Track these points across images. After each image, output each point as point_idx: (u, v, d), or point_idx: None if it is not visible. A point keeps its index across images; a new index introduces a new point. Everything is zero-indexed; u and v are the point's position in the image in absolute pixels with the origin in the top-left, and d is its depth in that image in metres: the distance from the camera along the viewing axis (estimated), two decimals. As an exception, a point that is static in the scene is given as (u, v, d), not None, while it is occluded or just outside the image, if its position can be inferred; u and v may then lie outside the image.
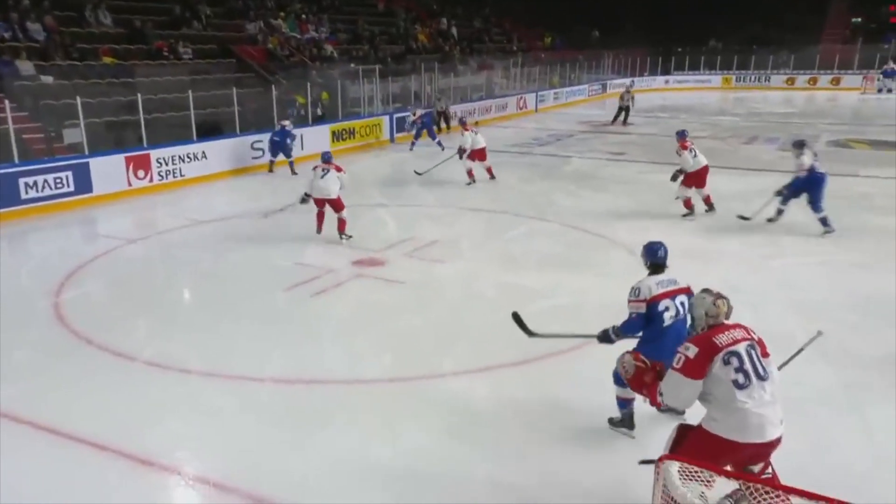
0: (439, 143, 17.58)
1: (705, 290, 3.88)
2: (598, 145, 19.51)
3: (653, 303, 4.78)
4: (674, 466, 2.98)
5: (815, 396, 5.40)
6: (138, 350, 6.50)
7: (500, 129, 22.77)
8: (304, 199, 9.87)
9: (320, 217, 9.94)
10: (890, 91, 31.66)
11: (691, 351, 3.59)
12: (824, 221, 10.24)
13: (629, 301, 4.92)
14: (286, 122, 15.06)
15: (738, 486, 3.55)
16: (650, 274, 5.04)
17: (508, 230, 10.62)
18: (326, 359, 6.42)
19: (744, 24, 37.48)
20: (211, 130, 14.34)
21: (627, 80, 29.83)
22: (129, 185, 12.98)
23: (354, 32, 26.15)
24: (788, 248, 9.82)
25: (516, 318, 5.58)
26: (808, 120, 24.69)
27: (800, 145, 10.80)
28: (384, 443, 5.03)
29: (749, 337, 3.65)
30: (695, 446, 3.64)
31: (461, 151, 13.69)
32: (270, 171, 15.35)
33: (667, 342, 4.57)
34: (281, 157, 15.11)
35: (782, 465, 3.72)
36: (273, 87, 17.18)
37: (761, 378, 3.55)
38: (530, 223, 11.04)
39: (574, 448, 4.98)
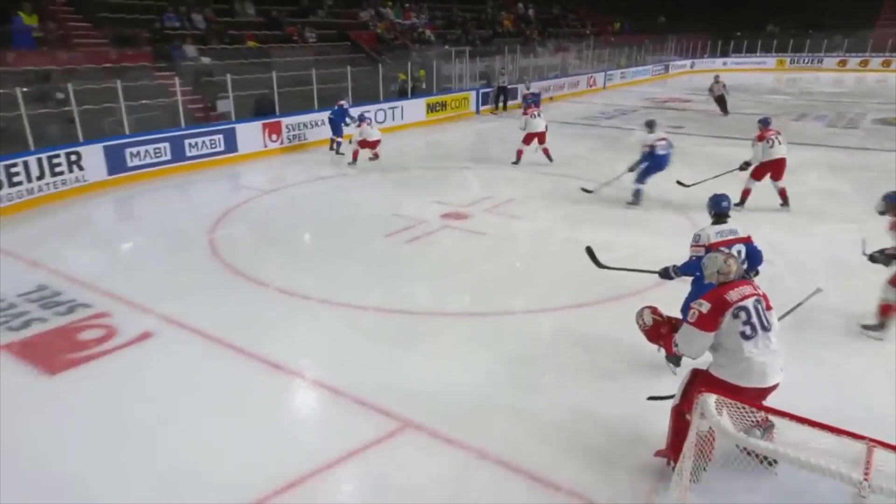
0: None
1: (718, 250, 3.82)
2: (659, 119, 18.66)
3: (708, 248, 4.62)
4: (711, 398, 2.95)
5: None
6: (270, 278, 6.86)
7: (572, 104, 22.22)
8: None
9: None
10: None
11: (704, 307, 3.50)
12: (636, 194, 9.54)
13: (691, 245, 4.85)
14: (343, 102, 13.60)
15: (766, 417, 3.50)
16: (713, 223, 4.93)
17: (576, 192, 10.42)
18: (417, 294, 6.59)
19: (801, 9, 34.78)
20: (329, 102, 14.52)
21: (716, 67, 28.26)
22: (265, 146, 13.45)
23: (449, 18, 25.85)
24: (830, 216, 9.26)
25: (589, 251, 5.62)
26: (857, 99, 22.92)
27: (650, 125, 9.99)
28: (461, 364, 5.20)
29: (756, 293, 3.55)
30: (706, 388, 3.51)
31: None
32: (331, 149, 13.52)
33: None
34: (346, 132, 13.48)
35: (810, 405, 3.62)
36: (380, 66, 17.25)
37: (766, 329, 3.47)
38: (596, 187, 10.82)
39: (617, 372, 5.01)
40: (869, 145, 14.51)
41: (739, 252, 4.68)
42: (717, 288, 3.59)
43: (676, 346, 3.73)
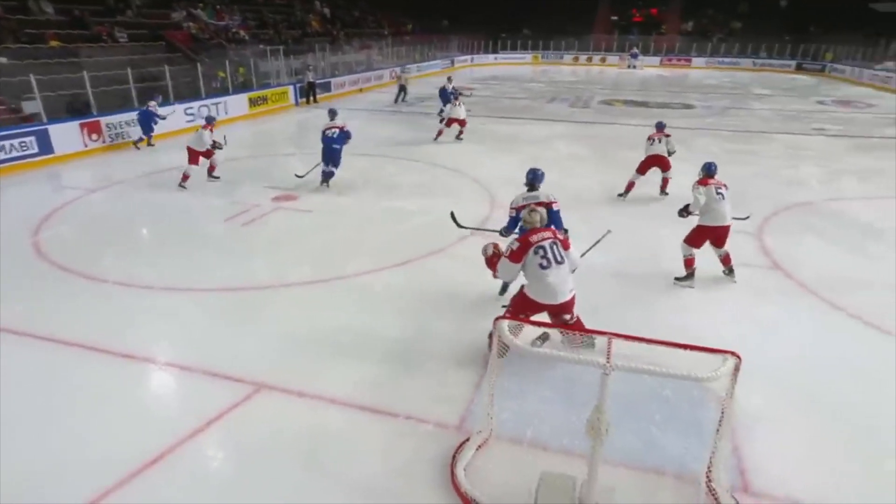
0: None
1: (526, 205, 4.40)
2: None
3: (518, 210, 5.10)
4: (504, 324, 3.18)
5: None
6: (107, 273, 6.03)
7: (379, 94, 22.03)
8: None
9: None
10: (634, 67, 33.40)
11: (515, 245, 4.14)
12: (326, 175, 9.03)
13: (510, 207, 5.27)
14: (152, 103, 12.04)
15: (544, 332, 3.90)
16: (528, 191, 5.32)
17: (387, 169, 10.48)
18: (258, 271, 6.23)
19: (548, 17, 38.04)
20: (149, 100, 12.87)
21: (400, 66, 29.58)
22: (86, 146, 11.56)
23: (261, 19, 24.02)
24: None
25: (452, 216, 5.86)
26: (587, 86, 25.58)
27: (332, 113, 9.57)
28: (304, 326, 5.05)
29: (553, 237, 4.12)
30: (520, 301, 4.18)
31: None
32: (136, 147, 12.08)
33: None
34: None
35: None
36: (198, 64, 15.64)
37: (559, 263, 4.03)
38: (402, 163, 10.96)
39: (439, 313, 5.20)
40: (598, 120, 16.41)
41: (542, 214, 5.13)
42: (526, 233, 4.15)
43: (498, 271, 4.31)
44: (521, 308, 4.16)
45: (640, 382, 3.50)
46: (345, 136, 9.11)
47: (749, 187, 8.89)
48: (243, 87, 16.93)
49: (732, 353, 2.82)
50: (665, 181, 8.81)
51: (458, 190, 9.20)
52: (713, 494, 3.10)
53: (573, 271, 4.22)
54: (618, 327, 3.08)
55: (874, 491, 3.29)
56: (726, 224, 5.70)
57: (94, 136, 11.74)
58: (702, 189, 5.70)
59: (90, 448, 3.61)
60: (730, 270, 5.91)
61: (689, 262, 5.83)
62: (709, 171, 5.90)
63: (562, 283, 4.06)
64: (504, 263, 4.17)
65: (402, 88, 19.64)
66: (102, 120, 11.93)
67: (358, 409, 3.93)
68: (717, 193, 5.67)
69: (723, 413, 2.95)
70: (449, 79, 17.29)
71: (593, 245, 4.74)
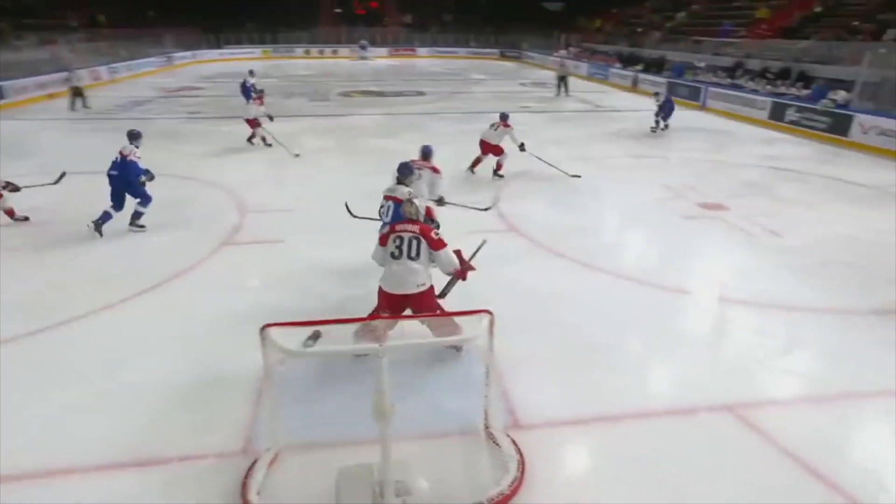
0: None
1: (408, 199, 4.35)
2: (175, 107, 17.52)
3: (384, 199, 5.22)
4: (274, 330, 3.00)
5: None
6: None
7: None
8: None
9: None
10: (366, 59, 34.83)
11: (383, 231, 4.31)
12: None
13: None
14: None
15: (316, 330, 3.82)
16: (395, 182, 5.31)
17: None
18: None
19: (270, 10, 36.79)
20: None
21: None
22: None
23: None
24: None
25: (346, 206, 5.97)
26: (323, 79, 25.71)
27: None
28: (22, 387, 4.10)
29: (415, 233, 4.09)
30: (379, 290, 4.17)
31: None
32: None
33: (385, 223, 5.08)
34: None
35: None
36: None
37: (411, 258, 4.05)
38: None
39: (198, 337, 4.73)
40: (339, 112, 16.67)
41: (390, 206, 5.11)
42: (397, 222, 4.24)
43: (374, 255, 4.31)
44: (379, 297, 4.18)
45: (421, 357, 3.74)
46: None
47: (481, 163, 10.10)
48: None
49: (486, 311, 3.18)
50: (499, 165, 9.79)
51: (197, 199, 8.42)
52: (492, 439, 3.49)
53: (450, 273, 4.21)
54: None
55: (608, 399, 4.08)
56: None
57: None
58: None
59: None
60: None
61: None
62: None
63: (407, 275, 4.03)
64: (376, 246, 4.26)
65: (77, 92, 16.24)
66: None
67: (114, 470, 3.36)
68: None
69: (487, 366, 3.32)
70: (251, 72, 15.54)
71: (473, 254, 4.61)
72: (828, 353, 4.68)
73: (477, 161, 9.85)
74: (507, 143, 9.61)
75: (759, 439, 3.66)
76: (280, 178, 8.80)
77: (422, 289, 4.09)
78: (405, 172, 5.37)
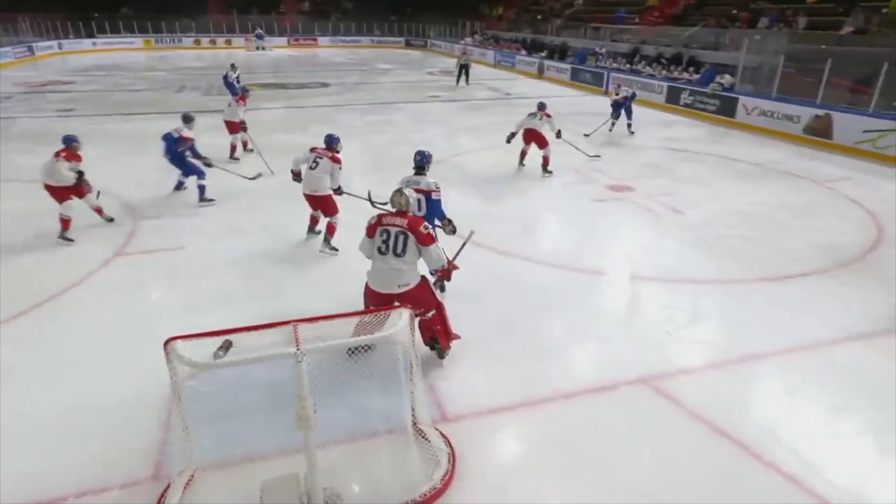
0: None
1: (399, 189, 4.10)
2: (42, 104, 16.00)
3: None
4: (178, 344, 2.86)
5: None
6: None
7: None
8: None
9: None
10: (263, 49, 33.56)
11: (372, 221, 4.05)
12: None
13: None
14: None
15: (226, 339, 3.64)
16: (414, 174, 5.14)
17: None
18: None
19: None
20: None
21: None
22: None
23: None
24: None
25: (369, 196, 5.77)
26: (218, 71, 24.42)
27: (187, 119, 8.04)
28: None
29: (403, 227, 3.92)
30: (366, 286, 4.10)
31: None
32: None
33: None
34: None
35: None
36: None
37: (397, 255, 3.92)
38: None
39: (85, 358, 4.40)
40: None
41: (419, 200, 4.92)
42: (384, 214, 4.05)
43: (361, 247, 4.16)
44: (365, 295, 4.07)
45: (342, 360, 3.69)
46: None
47: (389, 154, 10.08)
48: None
49: (404, 306, 3.20)
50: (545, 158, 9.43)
51: (81, 206, 7.73)
52: (421, 434, 3.52)
53: (434, 271, 4.09)
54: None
55: (533, 384, 4.22)
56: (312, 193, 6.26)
57: None
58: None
59: None
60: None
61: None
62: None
63: (390, 273, 3.91)
64: (363, 237, 4.10)
65: None
66: None
67: None
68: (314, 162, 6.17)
69: (410, 361, 3.34)
70: (233, 66, 14.57)
71: (460, 249, 4.45)
72: (728, 321, 5.14)
73: (523, 153, 9.72)
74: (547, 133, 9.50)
75: (672, 407, 3.96)
76: (175, 179, 8.29)
77: (405, 289, 3.93)
78: (424, 160, 5.20)
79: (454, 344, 4.45)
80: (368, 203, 5.78)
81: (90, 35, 32.32)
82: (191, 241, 6.65)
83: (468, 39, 31.50)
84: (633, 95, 12.93)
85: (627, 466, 3.45)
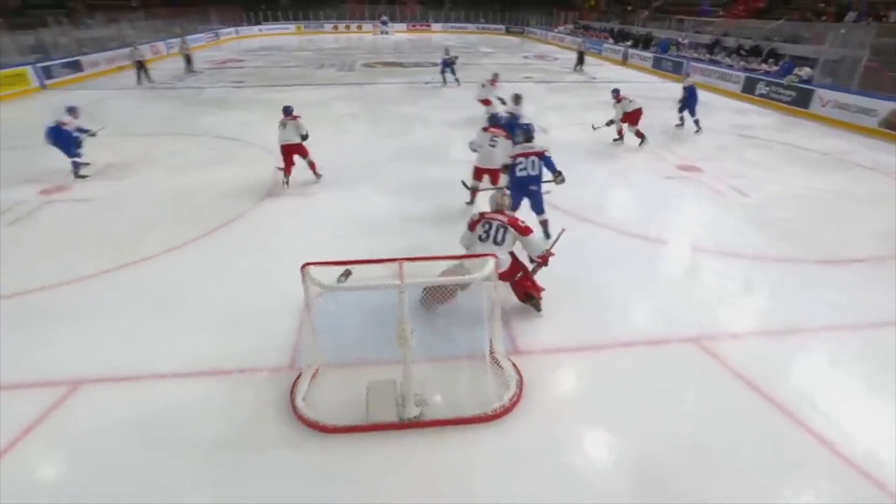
0: None
1: (497, 189, 4.13)
2: (223, 77, 17.04)
3: (514, 158, 5.07)
4: (312, 269, 2.99)
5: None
6: None
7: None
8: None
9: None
10: (386, 33, 33.37)
11: (475, 217, 4.04)
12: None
13: (508, 156, 5.21)
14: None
15: (347, 269, 3.77)
16: (524, 142, 5.14)
17: (169, 146, 8.93)
18: (42, 272, 4.86)
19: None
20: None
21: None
22: None
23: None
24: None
25: (463, 182, 5.80)
26: (349, 52, 24.76)
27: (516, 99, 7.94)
28: (115, 312, 4.20)
29: (502, 221, 3.93)
30: None
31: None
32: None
33: (515, 187, 5.05)
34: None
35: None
36: None
37: (497, 244, 3.89)
38: (184, 139, 9.45)
39: (250, 273, 4.77)
40: (363, 81, 16.12)
41: (533, 162, 5.00)
42: (490, 212, 4.04)
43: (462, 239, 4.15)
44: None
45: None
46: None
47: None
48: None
49: (492, 255, 3.16)
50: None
51: (243, 158, 8.29)
52: (496, 362, 3.54)
53: (533, 259, 4.11)
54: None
55: (595, 331, 4.09)
56: (495, 167, 5.84)
57: None
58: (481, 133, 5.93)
59: None
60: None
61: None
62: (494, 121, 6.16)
63: (494, 249, 3.81)
64: (465, 231, 4.09)
65: (140, 65, 15.45)
66: None
67: (191, 378, 3.49)
68: (492, 141, 5.80)
69: (492, 300, 3.32)
70: (447, 50, 14.60)
71: (555, 241, 4.37)
72: (777, 295, 4.65)
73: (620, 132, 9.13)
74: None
75: (716, 365, 3.69)
76: (313, 140, 8.59)
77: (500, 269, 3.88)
78: (531, 131, 5.32)
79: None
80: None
81: (258, 23, 33.65)
82: (321, 190, 6.93)
83: (562, 28, 29.50)
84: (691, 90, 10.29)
85: (670, 411, 3.29)
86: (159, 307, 4.29)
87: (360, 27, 35.35)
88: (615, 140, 9.21)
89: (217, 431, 3.07)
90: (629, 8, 27.90)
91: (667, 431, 3.12)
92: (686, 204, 6.80)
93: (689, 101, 10.25)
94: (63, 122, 7.23)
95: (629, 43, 22.47)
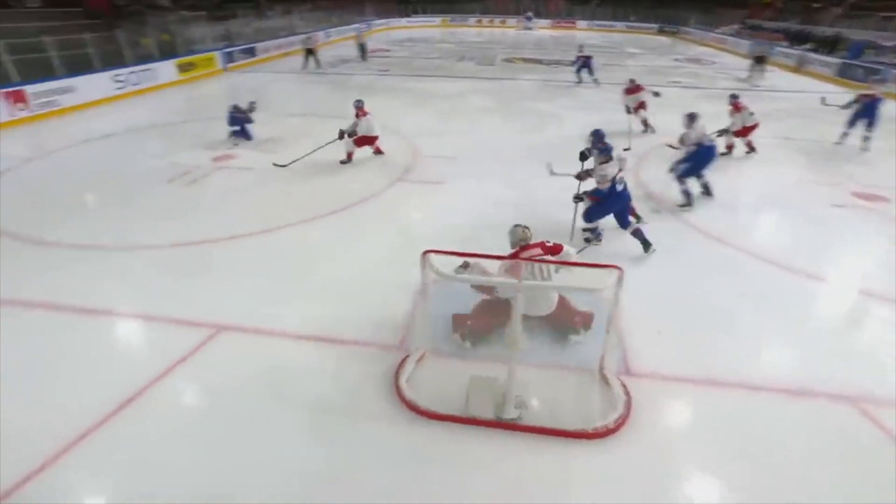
0: None
1: (517, 225, 3.79)
2: (371, 65, 18.35)
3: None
4: (432, 256, 3.07)
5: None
6: (59, 238, 5.38)
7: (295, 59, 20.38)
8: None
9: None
10: (529, 29, 33.00)
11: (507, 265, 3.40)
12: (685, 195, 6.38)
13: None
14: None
15: (465, 261, 3.82)
16: (603, 162, 5.14)
17: (317, 127, 9.87)
18: (208, 226, 5.70)
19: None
20: (72, 68, 11.24)
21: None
22: (14, 116, 9.98)
23: (181, -16, 21.13)
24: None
25: (548, 165, 5.78)
26: (490, 46, 25.02)
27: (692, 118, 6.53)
28: (256, 271, 4.78)
29: (540, 253, 3.60)
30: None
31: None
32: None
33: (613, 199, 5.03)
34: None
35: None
36: (119, 32, 13.65)
37: (544, 279, 3.58)
38: (330, 121, 10.35)
39: (376, 251, 5.09)
40: (501, 76, 16.17)
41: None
42: (516, 250, 3.67)
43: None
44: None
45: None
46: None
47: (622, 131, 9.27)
48: (171, 54, 15.03)
49: (616, 267, 2.98)
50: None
51: (382, 142, 8.83)
52: (605, 380, 3.36)
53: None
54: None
55: (720, 366, 3.69)
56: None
57: (21, 106, 10.14)
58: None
59: (55, 397, 3.31)
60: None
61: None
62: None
63: (543, 298, 3.66)
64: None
65: (310, 52, 17.10)
66: (27, 89, 10.28)
67: (309, 341, 3.84)
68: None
69: (610, 315, 3.14)
70: (580, 48, 14.63)
71: (581, 250, 4.42)
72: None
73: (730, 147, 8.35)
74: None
75: (882, 436, 3.08)
76: (448, 131, 8.93)
77: (550, 310, 3.74)
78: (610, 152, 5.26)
79: (651, 310, 4.09)
80: None
81: (406, 15, 35.63)
82: (450, 179, 7.12)
83: (726, 28, 26.59)
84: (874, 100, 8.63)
85: (807, 476, 2.83)
86: (293, 271, 4.79)
87: (503, 22, 35.53)
88: (722, 154, 7.83)
89: (323, 394, 3.35)
90: (815, 5, 24.04)
91: (801, 499, 2.70)
92: (858, 238, 5.76)
93: (865, 114, 8.56)
94: (240, 108, 8.79)
95: (807, 46, 19.49)
